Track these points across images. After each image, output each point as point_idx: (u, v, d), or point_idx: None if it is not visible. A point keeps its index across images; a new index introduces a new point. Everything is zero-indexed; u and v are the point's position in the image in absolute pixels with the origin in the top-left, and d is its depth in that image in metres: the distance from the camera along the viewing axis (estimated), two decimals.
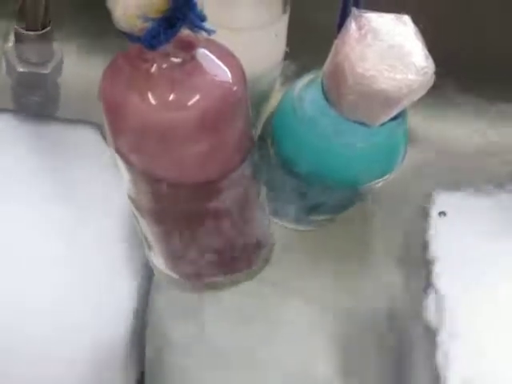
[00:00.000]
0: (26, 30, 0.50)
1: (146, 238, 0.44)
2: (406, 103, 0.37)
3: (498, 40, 0.58)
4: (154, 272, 0.47)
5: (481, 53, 0.58)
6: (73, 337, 0.45)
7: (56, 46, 0.53)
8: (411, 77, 0.36)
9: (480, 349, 0.47)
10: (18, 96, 0.55)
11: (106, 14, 0.31)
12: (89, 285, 0.47)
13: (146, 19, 0.31)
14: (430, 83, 0.37)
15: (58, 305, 0.46)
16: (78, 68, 0.55)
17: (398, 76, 0.36)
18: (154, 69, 0.33)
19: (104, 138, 0.49)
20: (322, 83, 0.39)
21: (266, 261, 0.48)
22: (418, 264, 0.51)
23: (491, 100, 0.59)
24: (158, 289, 0.49)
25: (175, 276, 0.46)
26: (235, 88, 0.35)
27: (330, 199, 0.47)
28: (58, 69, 0.54)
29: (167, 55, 0.33)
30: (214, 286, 0.47)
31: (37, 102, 0.55)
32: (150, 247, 0.45)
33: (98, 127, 0.50)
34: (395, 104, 0.37)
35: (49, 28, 0.51)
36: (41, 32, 0.50)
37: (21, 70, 0.53)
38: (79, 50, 0.56)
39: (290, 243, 0.51)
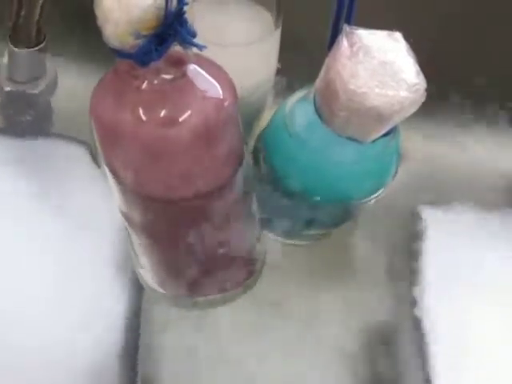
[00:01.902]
0: (19, 48, 0.50)
1: (136, 254, 0.44)
2: (397, 120, 0.37)
3: (490, 57, 0.58)
4: (145, 288, 0.47)
5: (472, 70, 0.58)
6: (65, 349, 0.45)
7: (49, 64, 0.53)
8: (403, 93, 0.36)
9: (468, 362, 0.47)
10: (9, 114, 0.55)
11: (99, 31, 0.31)
12: (79, 299, 0.47)
13: (137, 36, 0.31)
14: (422, 100, 0.37)
15: (47, 319, 0.46)
16: (71, 86, 0.55)
17: (390, 93, 0.36)
18: (144, 85, 0.33)
19: (93, 155, 0.49)
20: (314, 99, 0.39)
21: (258, 276, 0.48)
22: (406, 277, 0.51)
23: (481, 116, 0.60)
24: (150, 304, 0.49)
25: (166, 292, 0.46)
26: (226, 103, 0.35)
27: (322, 215, 0.47)
28: (51, 88, 0.54)
29: (158, 71, 0.33)
30: (205, 303, 0.47)
31: (28, 121, 0.55)
32: (138, 262, 0.44)
33: (88, 144, 0.50)
34: (387, 120, 0.37)
35: (42, 45, 0.51)
36: (33, 49, 0.50)
37: (11, 88, 0.53)
38: (74, 66, 0.56)
39: (282, 258, 0.51)
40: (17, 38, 0.50)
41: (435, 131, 0.59)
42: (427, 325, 0.48)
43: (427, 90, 0.36)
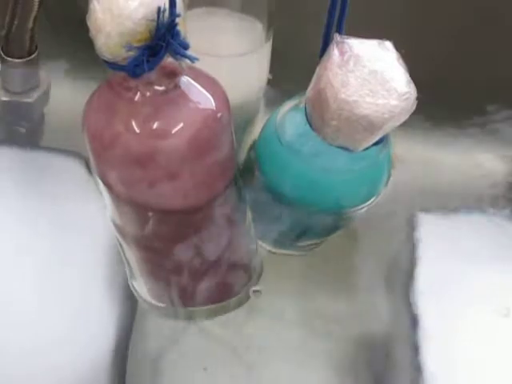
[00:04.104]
0: (12, 57, 0.50)
1: (129, 265, 0.44)
2: (388, 128, 0.37)
3: (485, 63, 0.58)
4: (138, 300, 0.47)
5: (464, 77, 0.58)
6: (50, 361, 0.45)
7: (43, 74, 0.53)
8: (393, 102, 0.36)
9: (463, 373, 0.47)
10: (4, 125, 0.55)
11: (93, 43, 0.32)
12: (69, 310, 0.46)
13: (129, 48, 0.31)
14: (412, 108, 0.37)
15: (33, 329, 0.46)
16: (65, 96, 0.55)
17: (380, 101, 0.36)
18: (137, 97, 0.33)
19: (88, 167, 0.49)
20: (305, 109, 0.40)
21: (254, 288, 0.48)
22: (402, 286, 0.51)
23: (477, 123, 0.60)
24: (143, 316, 0.49)
25: (159, 304, 0.46)
26: (219, 115, 0.35)
27: (315, 224, 0.47)
28: (44, 98, 0.54)
29: (151, 83, 0.33)
30: (200, 314, 0.47)
31: (22, 131, 0.55)
32: (133, 274, 0.44)
33: (82, 157, 0.50)
34: (377, 129, 0.37)
35: (35, 55, 0.51)
36: (26, 59, 0.50)
37: (4, 98, 0.53)
38: (66, 78, 0.56)
39: (277, 268, 0.51)
40: (9, 48, 0.50)
41: (431, 138, 0.59)
42: (424, 333, 0.48)
43: (419, 97, 0.37)
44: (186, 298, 0.45)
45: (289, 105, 0.43)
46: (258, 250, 0.47)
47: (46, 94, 0.54)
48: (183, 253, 0.41)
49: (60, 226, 0.49)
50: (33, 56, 0.51)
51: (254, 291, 0.48)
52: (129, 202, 0.37)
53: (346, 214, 0.45)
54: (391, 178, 0.44)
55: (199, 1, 0.44)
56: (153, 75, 0.32)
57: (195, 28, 0.40)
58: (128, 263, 0.44)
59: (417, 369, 0.47)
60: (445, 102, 0.57)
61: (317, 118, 0.39)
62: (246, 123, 0.49)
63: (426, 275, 0.50)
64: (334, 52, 0.37)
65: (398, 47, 0.37)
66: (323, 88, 0.37)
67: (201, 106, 0.34)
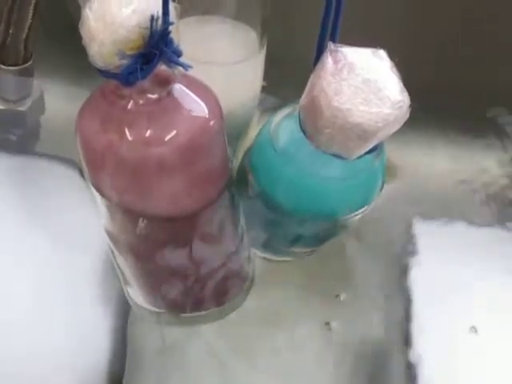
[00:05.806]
0: (6, 65, 0.50)
1: (122, 272, 0.44)
2: (381, 136, 0.37)
3: (473, 73, 0.58)
4: (132, 306, 0.47)
5: (456, 86, 0.58)
6: (50, 373, 0.45)
7: (36, 83, 0.53)
8: (386, 110, 0.36)
9: (459, 375, 0.47)
10: None
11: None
12: (63, 320, 0.46)
13: (122, 56, 0.31)
14: (406, 117, 0.37)
15: (27, 338, 0.46)
16: (58, 104, 0.55)
17: (374, 109, 0.36)
18: (130, 105, 0.33)
19: (82, 174, 0.50)
20: (299, 117, 0.40)
21: (246, 294, 0.48)
22: (397, 292, 0.51)
23: (471, 132, 0.60)
24: (135, 323, 0.49)
25: (153, 309, 0.46)
26: (212, 122, 0.35)
27: (309, 231, 0.47)
28: (38, 106, 0.54)
29: (144, 91, 0.33)
30: (193, 320, 0.47)
31: (16, 138, 0.55)
32: (126, 281, 0.44)
33: (76, 164, 0.50)
34: (371, 137, 0.37)
35: (30, 63, 0.51)
36: (20, 67, 0.50)
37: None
38: (60, 86, 0.56)
39: (269, 274, 0.51)
40: (4, 56, 0.50)
41: (427, 146, 0.59)
42: (418, 339, 0.48)
43: (412, 105, 0.37)
44: (179, 304, 0.45)
45: (283, 112, 0.43)
46: (251, 257, 0.47)
47: (39, 103, 0.54)
48: (176, 259, 0.41)
49: (53, 233, 0.49)
50: (27, 64, 0.51)
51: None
52: (122, 209, 0.37)
53: (340, 222, 0.45)
54: (391, 184, 0.44)
55: (193, 9, 0.44)
56: (146, 83, 0.32)
57: (190, 36, 0.40)
58: (121, 270, 0.44)
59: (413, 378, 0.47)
60: (439, 109, 0.57)
61: (310, 125, 0.39)
62: (239, 131, 0.50)
63: (422, 282, 0.50)
64: (328, 60, 0.37)
65: (391, 55, 0.37)
66: (317, 96, 0.37)
67: (194, 114, 0.34)
